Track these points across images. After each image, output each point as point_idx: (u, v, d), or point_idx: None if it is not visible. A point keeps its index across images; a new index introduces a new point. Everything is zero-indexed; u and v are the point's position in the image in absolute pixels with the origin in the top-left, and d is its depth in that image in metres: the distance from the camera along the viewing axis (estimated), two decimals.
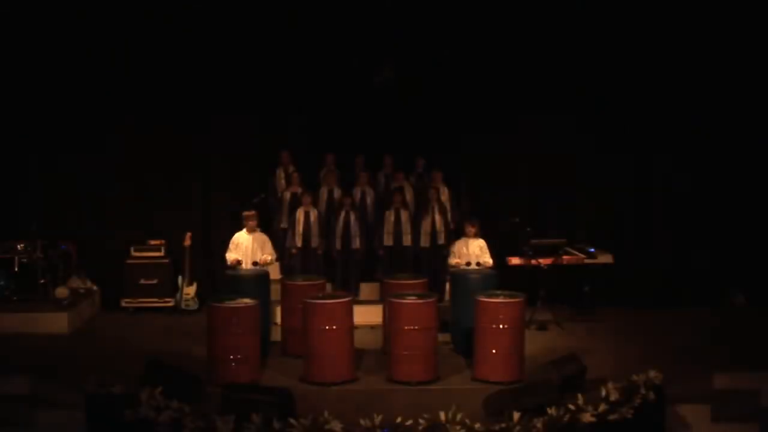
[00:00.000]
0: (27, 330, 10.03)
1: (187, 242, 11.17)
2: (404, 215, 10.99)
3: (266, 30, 11.53)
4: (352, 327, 8.41)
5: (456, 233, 10.67)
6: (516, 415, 7.06)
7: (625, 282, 11.54)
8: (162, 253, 11.42)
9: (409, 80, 11.88)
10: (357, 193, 11.39)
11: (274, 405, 7.13)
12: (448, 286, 10.23)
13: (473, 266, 9.57)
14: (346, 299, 8.48)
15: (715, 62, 11.42)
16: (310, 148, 11.91)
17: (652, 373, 7.42)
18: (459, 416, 7.01)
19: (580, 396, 7.33)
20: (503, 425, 7.03)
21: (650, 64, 11.50)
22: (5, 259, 10.87)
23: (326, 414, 7.00)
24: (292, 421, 6.96)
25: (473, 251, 9.70)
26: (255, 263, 9.67)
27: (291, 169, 11.64)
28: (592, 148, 11.80)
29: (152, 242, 11.45)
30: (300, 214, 10.83)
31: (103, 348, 9.57)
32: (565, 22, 11.40)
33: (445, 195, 11.28)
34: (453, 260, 9.77)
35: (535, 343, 9.45)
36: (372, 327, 10.09)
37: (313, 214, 10.86)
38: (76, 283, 11.38)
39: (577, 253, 10.84)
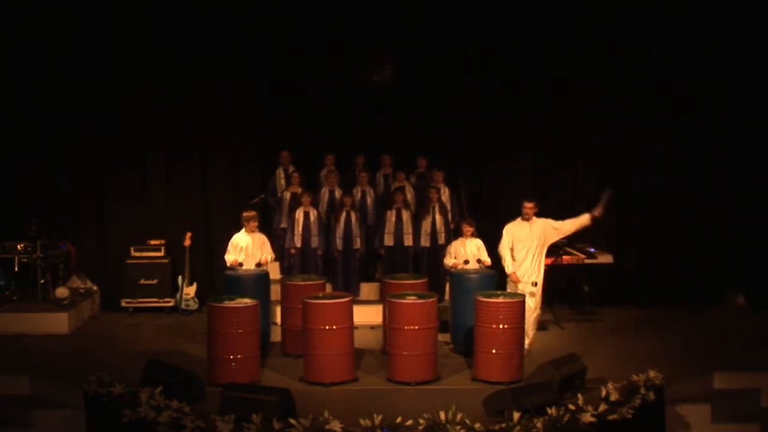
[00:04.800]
0: (27, 330, 10.04)
1: (187, 242, 11.17)
2: (405, 215, 10.99)
3: (266, 30, 11.53)
4: (352, 327, 8.41)
5: (456, 233, 10.68)
6: (516, 415, 7.06)
7: (625, 282, 11.55)
8: (162, 253, 11.41)
9: (408, 79, 11.91)
10: (357, 193, 11.39)
11: (274, 405, 7.12)
12: (448, 286, 10.23)
13: (472, 264, 9.55)
14: (346, 299, 8.47)
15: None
16: (310, 148, 11.92)
17: (652, 373, 7.42)
18: (459, 416, 7.01)
19: (580, 396, 7.33)
20: (503, 425, 7.03)
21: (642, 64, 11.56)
22: (5, 259, 10.86)
23: (326, 414, 6.99)
24: (292, 421, 6.95)
25: (470, 251, 9.70)
26: (258, 264, 9.66)
27: (291, 169, 11.64)
28: (592, 147, 11.82)
29: (152, 242, 11.44)
30: (299, 215, 10.83)
31: (103, 348, 9.57)
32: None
33: (445, 195, 11.28)
34: (449, 261, 9.76)
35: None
36: (372, 327, 10.10)
37: (313, 215, 10.86)
38: (76, 283, 11.38)
39: (577, 253, 10.84)
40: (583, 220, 9.36)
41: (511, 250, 9.20)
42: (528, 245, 9.16)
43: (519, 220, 9.28)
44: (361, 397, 7.94)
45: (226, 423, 6.97)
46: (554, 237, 9.42)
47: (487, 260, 9.69)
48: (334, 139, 11.87)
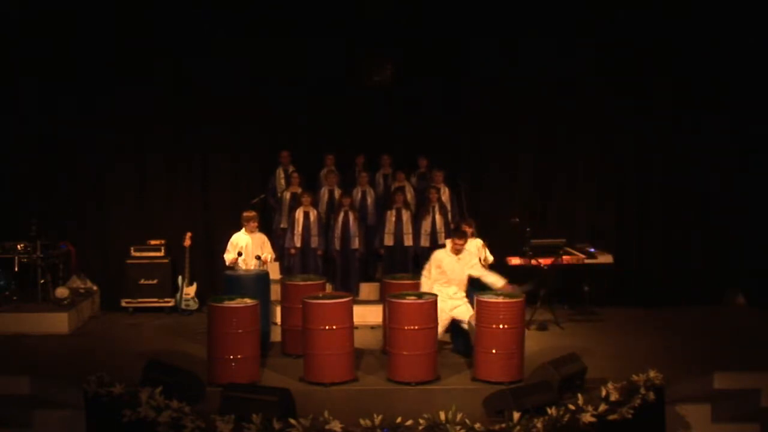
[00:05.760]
0: (27, 330, 10.04)
1: (187, 242, 11.17)
2: (405, 215, 11.00)
3: (266, 29, 11.53)
4: (352, 327, 8.41)
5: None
6: (516, 415, 7.06)
7: (625, 282, 11.55)
8: (162, 253, 11.41)
9: (408, 79, 11.91)
10: (357, 193, 11.40)
11: (274, 405, 7.13)
12: None
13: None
14: (346, 299, 8.47)
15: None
16: (310, 148, 11.93)
17: (652, 373, 7.43)
18: (459, 416, 7.01)
19: (580, 396, 7.34)
20: (503, 425, 7.04)
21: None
22: (5, 259, 10.86)
23: (326, 414, 7.00)
24: (292, 421, 6.96)
25: (471, 251, 9.68)
26: (258, 257, 9.66)
27: (291, 169, 11.65)
28: (592, 147, 11.82)
29: (152, 242, 11.44)
30: (299, 215, 10.84)
31: (103, 348, 9.57)
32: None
33: (445, 195, 11.28)
34: None
35: (535, 343, 9.46)
36: (372, 327, 10.10)
37: (313, 215, 10.87)
38: (76, 283, 11.38)
39: (577, 253, 10.84)
40: (496, 280, 8.85)
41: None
42: (456, 277, 8.88)
43: (449, 250, 8.92)
44: (361, 397, 7.94)
45: (226, 423, 6.97)
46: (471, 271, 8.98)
47: (490, 258, 9.70)
48: (334, 139, 11.88)
